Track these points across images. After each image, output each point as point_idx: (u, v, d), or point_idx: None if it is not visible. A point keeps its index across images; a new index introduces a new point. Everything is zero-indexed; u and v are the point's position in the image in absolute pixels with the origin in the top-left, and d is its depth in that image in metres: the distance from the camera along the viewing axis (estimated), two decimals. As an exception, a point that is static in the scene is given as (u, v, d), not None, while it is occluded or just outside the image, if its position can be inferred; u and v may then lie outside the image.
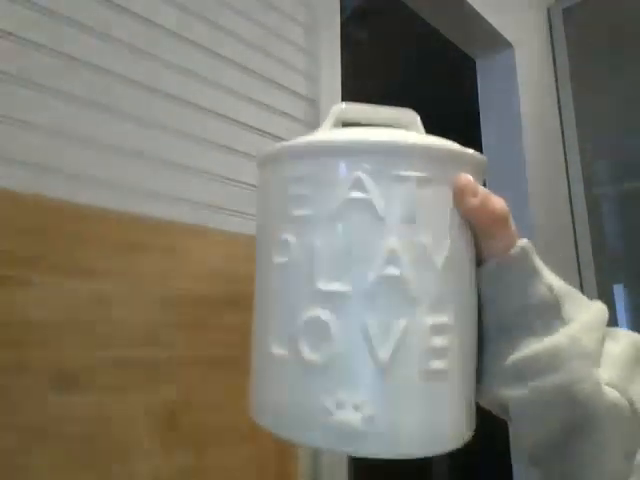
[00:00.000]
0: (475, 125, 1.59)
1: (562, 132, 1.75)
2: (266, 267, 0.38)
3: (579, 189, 1.68)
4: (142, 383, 0.56)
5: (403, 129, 0.41)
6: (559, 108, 1.77)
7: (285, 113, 0.86)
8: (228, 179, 0.75)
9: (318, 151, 0.35)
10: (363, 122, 0.41)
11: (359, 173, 0.32)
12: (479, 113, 1.60)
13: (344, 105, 0.40)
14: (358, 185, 0.32)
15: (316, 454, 0.77)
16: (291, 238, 0.34)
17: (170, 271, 0.61)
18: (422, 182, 0.33)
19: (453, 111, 2.65)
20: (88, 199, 0.59)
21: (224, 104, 0.76)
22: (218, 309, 0.65)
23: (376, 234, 0.32)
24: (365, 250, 0.31)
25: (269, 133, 0.82)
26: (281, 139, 0.84)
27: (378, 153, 0.33)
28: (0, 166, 0.53)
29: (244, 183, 0.77)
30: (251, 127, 0.80)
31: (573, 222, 1.67)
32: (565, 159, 1.73)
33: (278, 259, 0.35)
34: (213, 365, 0.63)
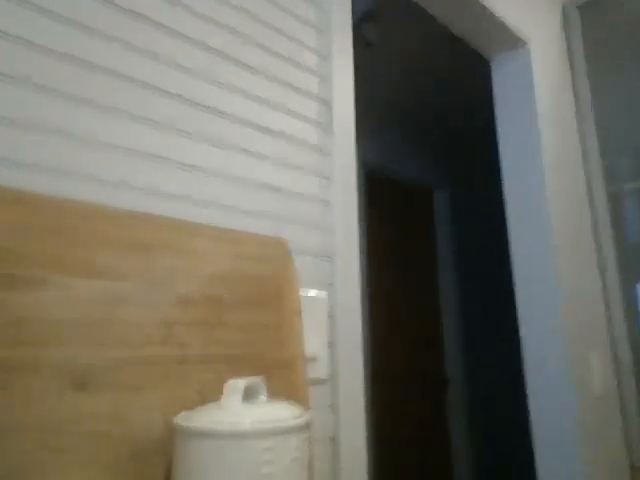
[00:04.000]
0: (490, 127, 1.58)
1: (580, 129, 1.72)
2: None
3: (599, 186, 1.65)
4: (157, 382, 0.56)
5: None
6: (576, 105, 1.75)
7: (298, 114, 0.86)
8: (240, 179, 0.75)
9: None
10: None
11: None
12: (493, 115, 1.59)
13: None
14: None
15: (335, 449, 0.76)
16: None
17: (184, 271, 0.61)
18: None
19: (467, 113, 2.63)
20: (104, 200, 0.59)
21: (237, 106, 0.77)
22: (231, 308, 0.65)
23: None
24: None
25: (282, 133, 0.82)
26: (295, 138, 0.84)
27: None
28: (18, 170, 0.53)
29: (257, 183, 0.77)
30: (264, 128, 0.80)
31: (594, 220, 1.64)
32: (584, 156, 1.70)
33: None
34: (227, 364, 0.62)
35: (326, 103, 0.91)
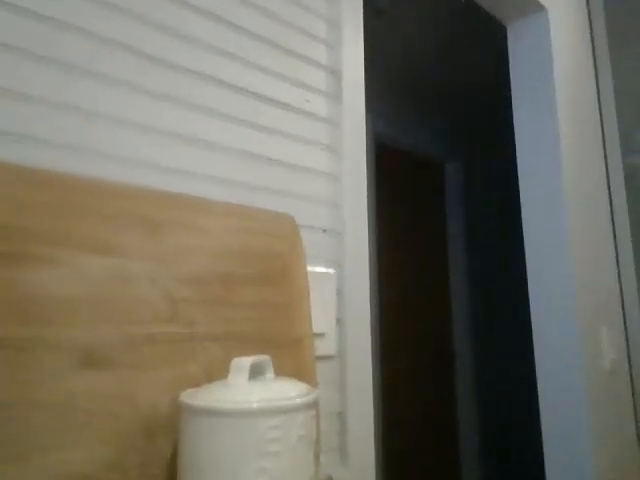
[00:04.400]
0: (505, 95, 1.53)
1: (599, 99, 1.66)
2: None
3: (616, 157, 1.60)
4: (165, 359, 0.56)
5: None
6: (595, 74, 1.69)
7: (307, 84, 0.83)
8: (247, 154, 0.73)
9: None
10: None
11: None
12: (509, 83, 1.54)
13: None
14: None
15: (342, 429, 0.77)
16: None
17: (192, 248, 0.61)
18: None
19: (482, 79, 2.56)
20: (112, 176, 0.58)
21: (245, 78, 0.74)
22: (239, 285, 0.64)
23: None
24: None
25: (290, 105, 0.80)
26: (303, 110, 0.82)
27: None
28: (25, 145, 0.52)
29: (263, 158, 0.75)
30: (271, 100, 0.78)
31: (609, 192, 1.60)
32: (602, 127, 1.65)
33: None
34: (235, 341, 0.62)
35: (335, 73, 0.88)
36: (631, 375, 1.53)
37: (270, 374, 0.54)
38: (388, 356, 2.46)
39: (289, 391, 0.50)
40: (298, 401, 0.49)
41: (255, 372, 0.53)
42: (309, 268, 0.76)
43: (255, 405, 0.47)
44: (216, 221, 0.64)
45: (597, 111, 1.66)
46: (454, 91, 2.78)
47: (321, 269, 0.79)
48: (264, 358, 0.54)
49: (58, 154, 0.55)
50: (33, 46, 0.54)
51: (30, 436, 0.46)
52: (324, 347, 0.76)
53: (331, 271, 0.80)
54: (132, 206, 0.57)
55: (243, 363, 0.52)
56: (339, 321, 0.80)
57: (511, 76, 1.53)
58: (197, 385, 0.56)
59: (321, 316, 0.76)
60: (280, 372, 0.61)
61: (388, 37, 2.16)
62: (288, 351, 0.67)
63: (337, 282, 0.81)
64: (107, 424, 0.50)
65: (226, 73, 0.72)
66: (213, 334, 0.60)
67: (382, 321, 2.47)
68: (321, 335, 0.76)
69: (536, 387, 1.36)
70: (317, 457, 0.52)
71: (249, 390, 0.50)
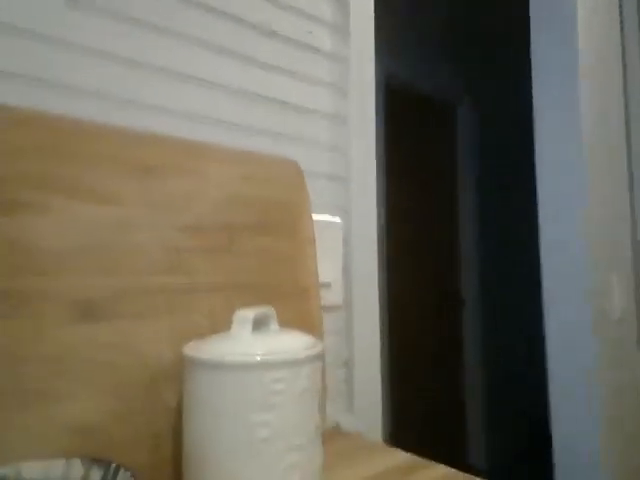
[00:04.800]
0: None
1: (622, 34, 1.56)
2: None
3: (636, 101, 1.53)
4: (165, 310, 0.54)
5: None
6: (620, 9, 1.57)
7: (310, 14, 0.77)
8: (246, 94, 0.69)
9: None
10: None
11: None
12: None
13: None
14: None
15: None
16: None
17: (192, 194, 0.58)
18: None
19: (497, 20, 2.43)
20: (107, 118, 0.55)
21: (238, 6, 0.69)
22: (241, 234, 0.62)
23: None
24: None
25: (291, 39, 0.74)
26: (305, 44, 0.76)
27: None
28: (13, 84, 0.49)
29: (264, 98, 0.71)
30: (271, 32, 0.72)
31: (628, 139, 1.54)
32: (624, 68, 1.56)
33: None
34: (236, 291, 0.61)
35: (342, 1, 0.82)
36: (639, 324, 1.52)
37: (274, 325, 0.53)
38: (395, 305, 2.47)
39: (293, 344, 0.49)
40: (302, 354, 0.48)
41: (259, 323, 0.52)
42: (314, 216, 0.73)
43: (259, 358, 0.46)
44: (217, 166, 0.61)
45: (620, 47, 1.56)
46: (468, 29, 2.64)
47: (327, 217, 0.76)
48: (268, 309, 0.52)
49: (44, 93, 0.51)
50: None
51: (31, 386, 0.45)
52: (330, 297, 0.75)
53: (337, 219, 0.77)
54: (129, 150, 0.53)
55: (246, 315, 0.50)
56: (345, 270, 0.78)
57: (530, 10, 1.43)
58: (201, 335, 0.55)
59: (327, 265, 0.74)
60: (285, 323, 0.60)
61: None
62: (293, 301, 0.66)
63: (343, 230, 0.79)
64: (109, 375, 0.49)
65: (223, 2, 0.67)
66: (215, 284, 0.59)
67: (389, 264, 2.47)
68: (327, 285, 0.74)
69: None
70: (323, 407, 0.51)
71: (252, 342, 0.48)
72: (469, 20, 2.63)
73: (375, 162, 0.81)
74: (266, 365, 0.46)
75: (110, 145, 0.52)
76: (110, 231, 0.51)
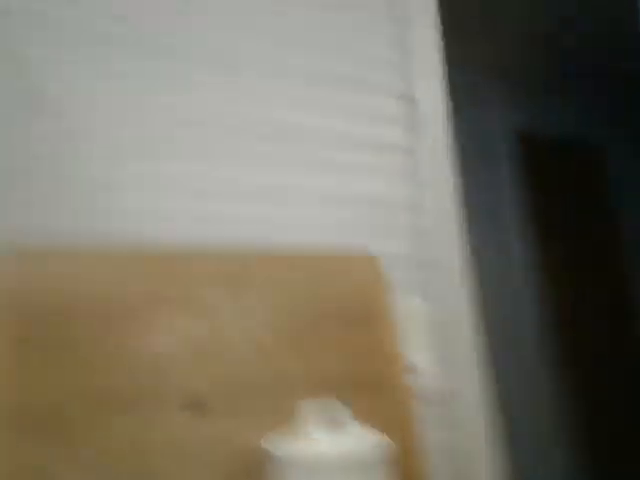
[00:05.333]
0: None
1: None
2: None
3: None
4: (257, 404, 0.62)
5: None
6: None
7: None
8: (332, 196, 0.77)
9: None
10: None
11: None
12: None
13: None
14: None
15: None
16: None
17: (274, 298, 0.67)
18: None
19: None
20: (191, 238, 0.67)
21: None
22: (324, 329, 0.68)
23: None
24: None
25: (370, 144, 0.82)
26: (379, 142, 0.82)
27: None
28: (123, 224, 0.64)
29: (347, 197, 0.78)
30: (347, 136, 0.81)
31: None
32: None
33: None
34: (322, 385, 0.66)
35: (410, 100, 0.87)
36: None
37: (349, 421, 0.57)
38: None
39: (363, 445, 0.54)
40: (370, 456, 0.53)
41: (334, 419, 0.57)
42: (399, 302, 0.76)
43: (328, 458, 0.52)
44: (290, 272, 0.69)
45: None
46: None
47: (412, 302, 0.78)
48: (344, 405, 0.58)
49: (148, 227, 0.65)
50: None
51: (150, 469, 0.55)
52: (423, 384, 0.75)
53: (421, 303, 0.78)
54: (214, 266, 0.64)
55: (322, 411, 0.56)
56: (440, 355, 0.78)
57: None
58: (283, 430, 0.61)
59: (417, 352, 0.75)
60: (370, 415, 0.62)
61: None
62: (379, 392, 0.69)
63: (430, 315, 0.79)
64: (208, 463, 0.58)
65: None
66: (300, 378, 0.65)
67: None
68: (418, 370, 0.75)
69: None
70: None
71: (324, 441, 0.55)
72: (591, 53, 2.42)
73: (462, 248, 0.81)
74: (335, 465, 0.52)
75: (200, 263, 0.64)
76: (204, 337, 0.61)
